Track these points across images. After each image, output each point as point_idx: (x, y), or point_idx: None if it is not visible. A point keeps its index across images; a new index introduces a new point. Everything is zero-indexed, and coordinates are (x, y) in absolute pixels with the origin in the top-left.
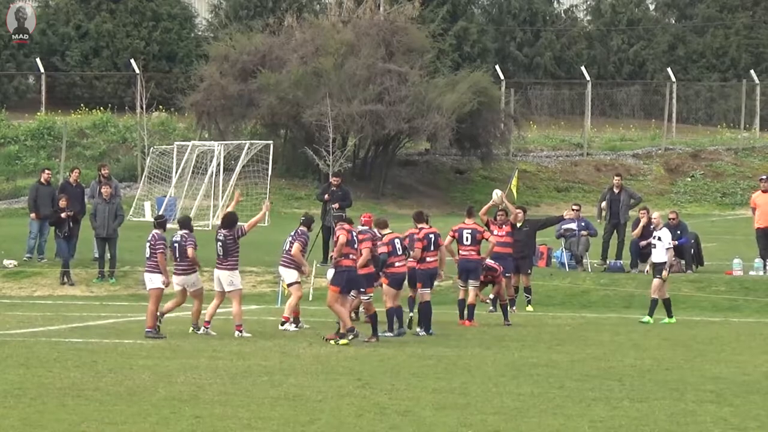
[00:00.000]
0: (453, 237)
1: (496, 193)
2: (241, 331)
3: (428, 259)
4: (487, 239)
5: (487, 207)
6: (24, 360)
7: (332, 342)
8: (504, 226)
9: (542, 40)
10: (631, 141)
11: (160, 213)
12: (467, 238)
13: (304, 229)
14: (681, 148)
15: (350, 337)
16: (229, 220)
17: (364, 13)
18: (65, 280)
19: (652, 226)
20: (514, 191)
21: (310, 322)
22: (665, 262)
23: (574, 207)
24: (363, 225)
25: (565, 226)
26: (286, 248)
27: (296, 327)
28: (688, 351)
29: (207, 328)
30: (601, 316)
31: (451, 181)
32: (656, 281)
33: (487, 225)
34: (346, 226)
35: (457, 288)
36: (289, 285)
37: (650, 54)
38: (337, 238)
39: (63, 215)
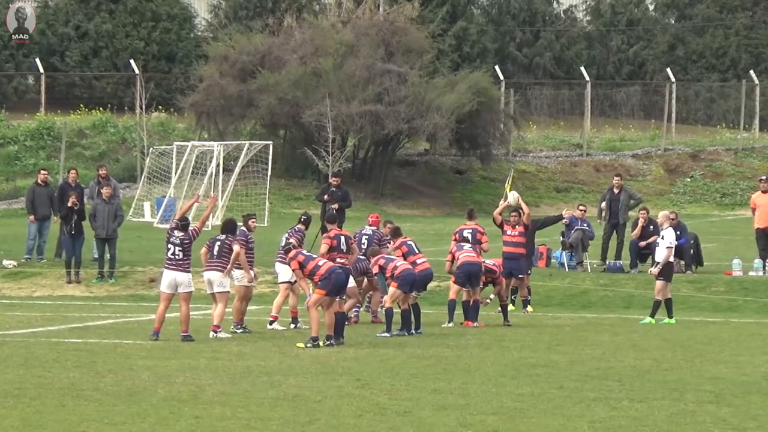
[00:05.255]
0: (451, 261)
1: (513, 195)
2: (216, 332)
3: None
4: (484, 242)
5: (502, 207)
6: (23, 360)
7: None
8: (517, 226)
9: (542, 40)
10: (631, 141)
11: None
12: (468, 237)
13: (302, 227)
14: (680, 148)
15: (309, 345)
16: (230, 226)
17: (364, 13)
18: (71, 278)
19: (659, 226)
20: (508, 190)
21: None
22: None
23: (581, 207)
24: (370, 225)
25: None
26: (282, 245)
27: (295, 327)
28: (688, 351)
29: (215, 332)
30: (601, 316)
31: (450, 182)
32: (659, 283)
33: (500, 226)
34: (332, 233)
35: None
36: (280, 282)
37: (650, 54)
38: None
39: (69, 203)
